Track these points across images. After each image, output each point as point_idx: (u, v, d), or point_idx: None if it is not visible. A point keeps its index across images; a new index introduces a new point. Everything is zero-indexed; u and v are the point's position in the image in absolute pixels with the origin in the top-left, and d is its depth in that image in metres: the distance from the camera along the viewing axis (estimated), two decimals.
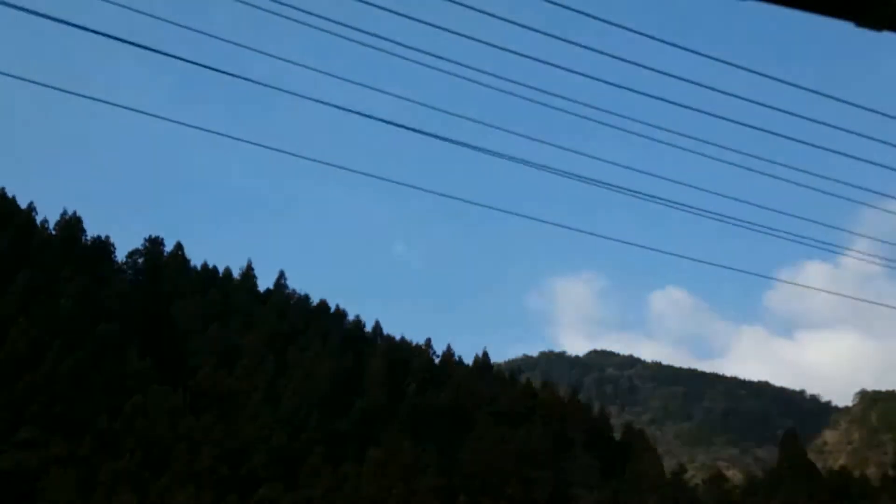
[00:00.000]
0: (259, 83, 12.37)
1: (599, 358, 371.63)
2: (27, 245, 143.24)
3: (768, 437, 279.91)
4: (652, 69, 11.65)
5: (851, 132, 13.02)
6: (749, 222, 15.81)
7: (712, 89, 11.89)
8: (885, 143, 13.30)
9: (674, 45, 11.02)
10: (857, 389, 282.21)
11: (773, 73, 11.76)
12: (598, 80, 12.21)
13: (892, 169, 14.13)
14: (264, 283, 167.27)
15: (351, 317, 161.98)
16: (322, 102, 12.55)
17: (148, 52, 11.24)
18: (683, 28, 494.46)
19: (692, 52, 11.43)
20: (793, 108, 12.42)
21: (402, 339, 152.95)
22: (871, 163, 14.22)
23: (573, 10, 9.63)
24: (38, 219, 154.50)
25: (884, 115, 12.68)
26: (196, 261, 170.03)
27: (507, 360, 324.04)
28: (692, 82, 11.91)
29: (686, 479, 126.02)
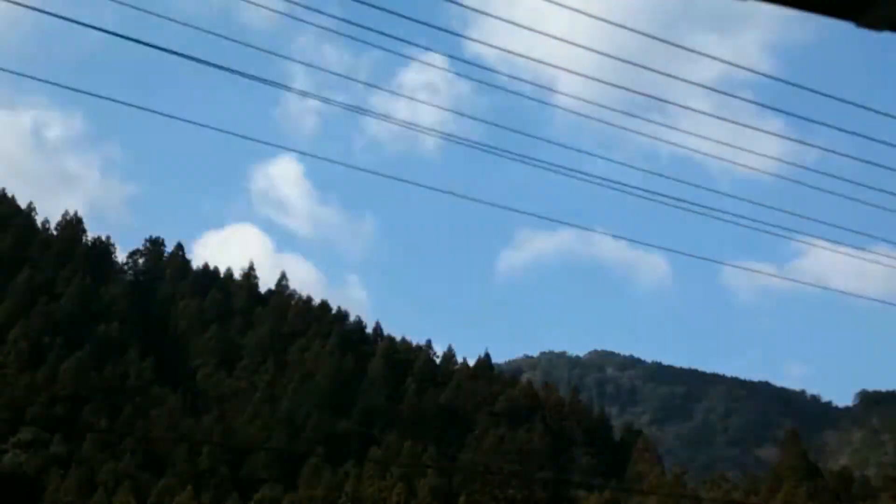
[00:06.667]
0: (265, 81, 12.36)
1: (599, 358, 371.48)
2: (27, 245, 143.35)
3: (768, 437, 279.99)
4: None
5: None
6: None
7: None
8: None
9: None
10: (858, 389, 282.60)
11: None
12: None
13: None
14: (265, 283, 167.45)
15: (352, 318, 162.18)
16: (323, 100, 12.53)
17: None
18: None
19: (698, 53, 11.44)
20: None
21: (403, 339, 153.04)
22: None
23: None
24: (39, 219, 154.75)
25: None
26: (197, 261, 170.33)
27: (507, 360, 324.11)
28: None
29: (686, 480, 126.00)
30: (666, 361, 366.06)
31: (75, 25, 11.38)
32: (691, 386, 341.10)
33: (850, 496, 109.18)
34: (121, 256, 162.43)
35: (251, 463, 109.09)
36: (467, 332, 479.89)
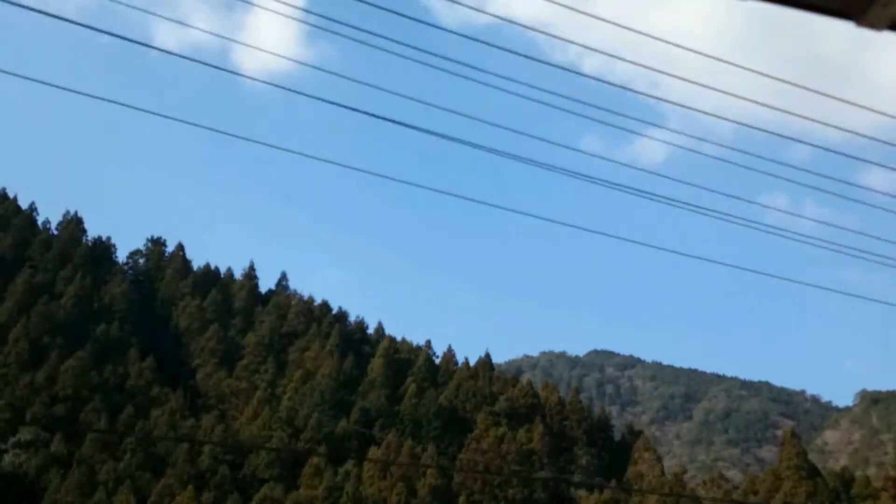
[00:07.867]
0: (256, 79, 12.36)
1: (599, 358, 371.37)
2: (28, 245, 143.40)
3: (768, 437, 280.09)
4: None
5: None
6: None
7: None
8: None
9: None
10: (858, 389, 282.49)
11: None
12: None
13: None
14: (266, 283, 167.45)
15: (352, 318, 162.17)
16: (321, 99, 12.52)
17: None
18: None
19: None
20: None
21: (403, 339, 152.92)
22: None
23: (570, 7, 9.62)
24: (40, 219, 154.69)
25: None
26: (198, 261, 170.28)
27: (507, 360, 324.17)
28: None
29: (686, 480, 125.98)
30: (666, 361, 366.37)
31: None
32: (691, 386, 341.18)
33: (850, 496, 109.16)
34: (121, 256, 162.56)
35: (251, 463, 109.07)
36: (467, 332, 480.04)
